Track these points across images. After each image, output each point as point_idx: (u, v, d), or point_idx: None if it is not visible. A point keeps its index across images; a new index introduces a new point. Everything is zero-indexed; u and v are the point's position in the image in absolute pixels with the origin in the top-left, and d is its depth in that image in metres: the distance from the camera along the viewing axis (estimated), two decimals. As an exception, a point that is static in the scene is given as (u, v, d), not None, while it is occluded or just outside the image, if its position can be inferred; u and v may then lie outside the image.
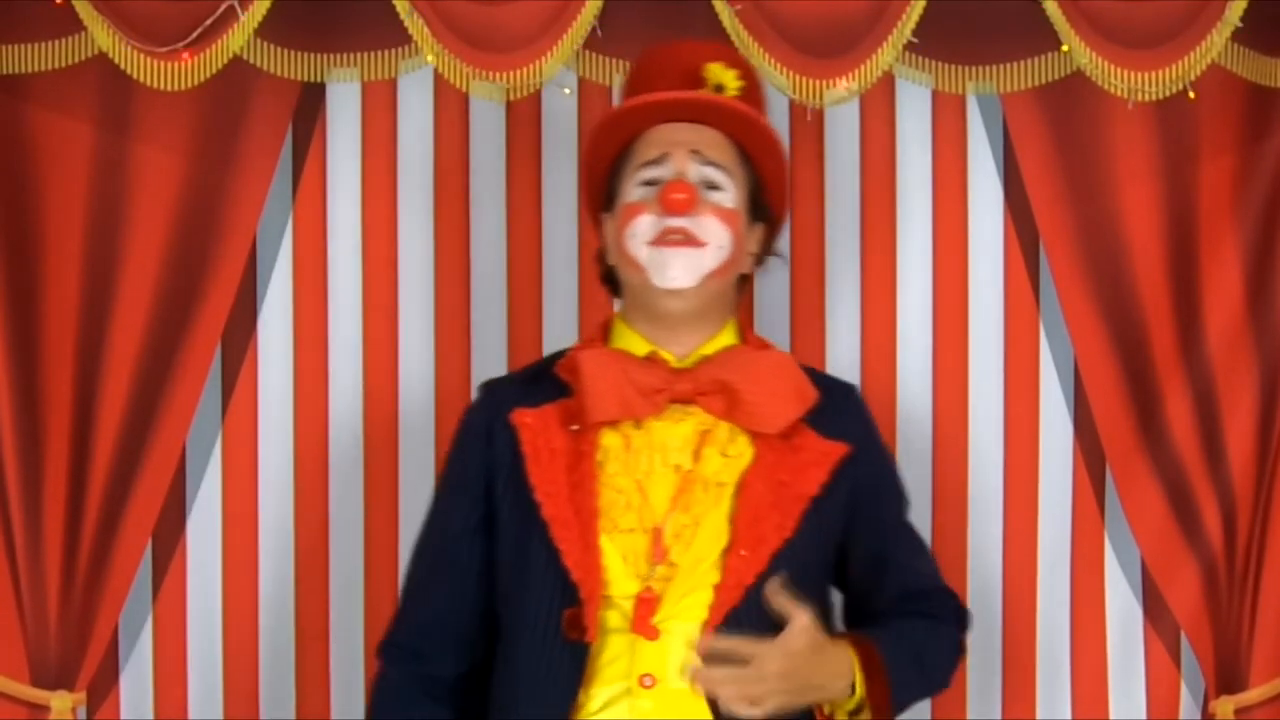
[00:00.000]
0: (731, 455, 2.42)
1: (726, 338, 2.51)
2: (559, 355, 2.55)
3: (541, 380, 2.51)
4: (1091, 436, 2.93)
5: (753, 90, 2.55)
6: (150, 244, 2.87)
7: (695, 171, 2.45)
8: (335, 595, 2.97)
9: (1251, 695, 2.87)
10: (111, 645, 2.92)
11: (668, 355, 2.47)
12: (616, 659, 2.35)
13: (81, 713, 2.91)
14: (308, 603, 2.96)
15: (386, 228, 2.96)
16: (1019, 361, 2.95)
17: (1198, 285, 2.88)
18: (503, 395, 2.52)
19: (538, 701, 2.36)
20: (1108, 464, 2.92)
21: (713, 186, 2.45)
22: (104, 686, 2.94)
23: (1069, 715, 2.95)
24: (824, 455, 2.44)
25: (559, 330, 2.92)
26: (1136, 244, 2.88)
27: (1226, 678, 2.88)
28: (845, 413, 2.53)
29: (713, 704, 2.32)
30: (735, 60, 2.57)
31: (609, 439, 2.43)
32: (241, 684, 2.95)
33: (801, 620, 2.32)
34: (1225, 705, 2.88)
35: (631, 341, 2.49)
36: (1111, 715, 2.95)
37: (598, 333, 2.55)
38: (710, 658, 2.29)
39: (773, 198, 2.55)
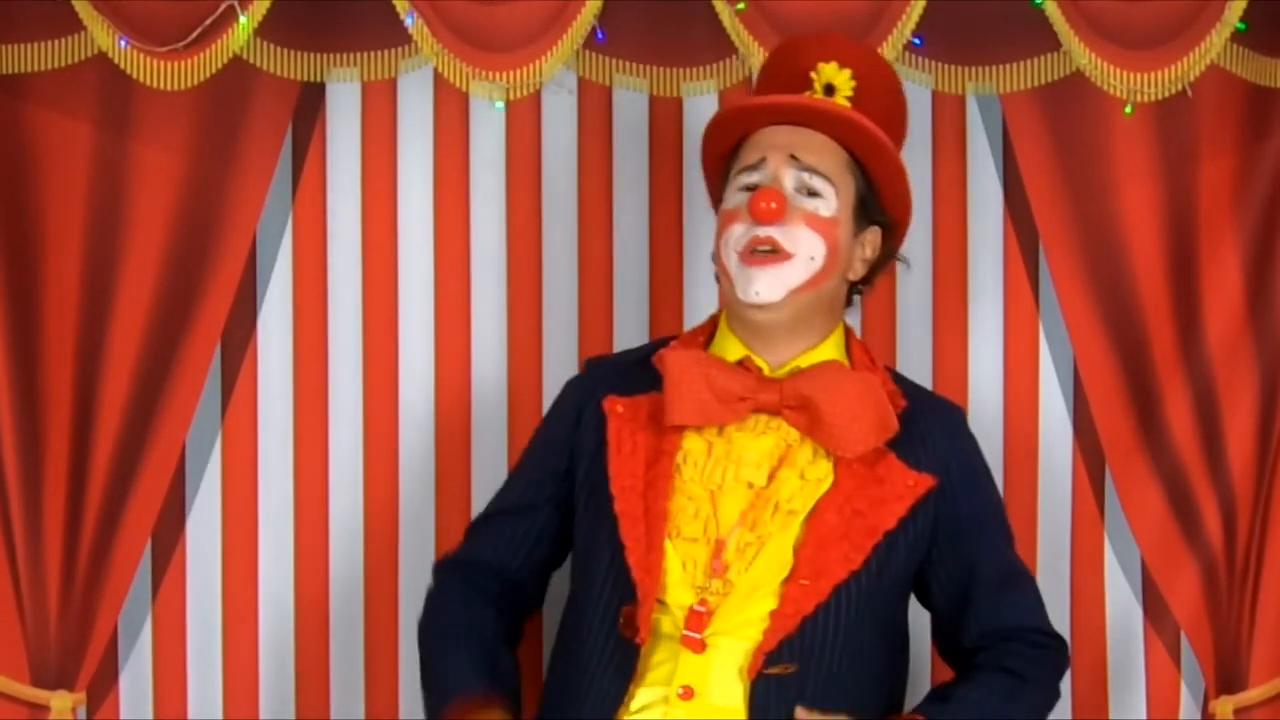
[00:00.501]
0: (810, 479, 2.38)
1: (828, 350, 2.47)
2: (662, 343, 2.54)
3: (642, 368, 2.49)
4: (1091, 437, 2.92)
5: (872, 90, 2.49)
6: (150, 244, 2.87)
7: (792, 177, 2.41)
8: (335, 594, 2.96)
9: (1251, 695, 2.87)
10: (111, 645, 2.92)
11: (762, 362, 2.44)
12: (662, 664, 2.35)
13: (81, 713, 2.90)
14: (308, 602, 2.95)
15: (386, 227, 2.96)
16: (1019, 362, 2.95)
17: (1198, 285, 2.88)
18: (602, 377, 2.51)
19: (592, 690, 2.36)
20: (1108, 464, 2.92)
21: (811, 193, 2.41)
22: (104, 686, 2.93)
23: (1069, 715, 2.95)
24: (907, 489, 2.40)
25: (560, 329, 2.92)
26: (1136, 244, 2.88)
27: (1226, 678, 2.88)
28: (942, 439, 2.47)
29: None
30: (854, 57, 2.50)
31: (692, 442, 2.41)
32: (241, 684, 2.95)
33: None
34: (1225, 705, 2.88)
35: (729, 345, 2.48)
36: (1111, 715, 2.94)
37: (707, 326, 2.53)
38: None
39: (887, 201, 2.49)
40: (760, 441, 2.40)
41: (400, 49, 2.85)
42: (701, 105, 2.88)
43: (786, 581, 2.34)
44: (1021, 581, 2.54)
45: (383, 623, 2.95)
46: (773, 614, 2.33)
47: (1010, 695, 2.42)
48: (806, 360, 2.45)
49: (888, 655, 2.46)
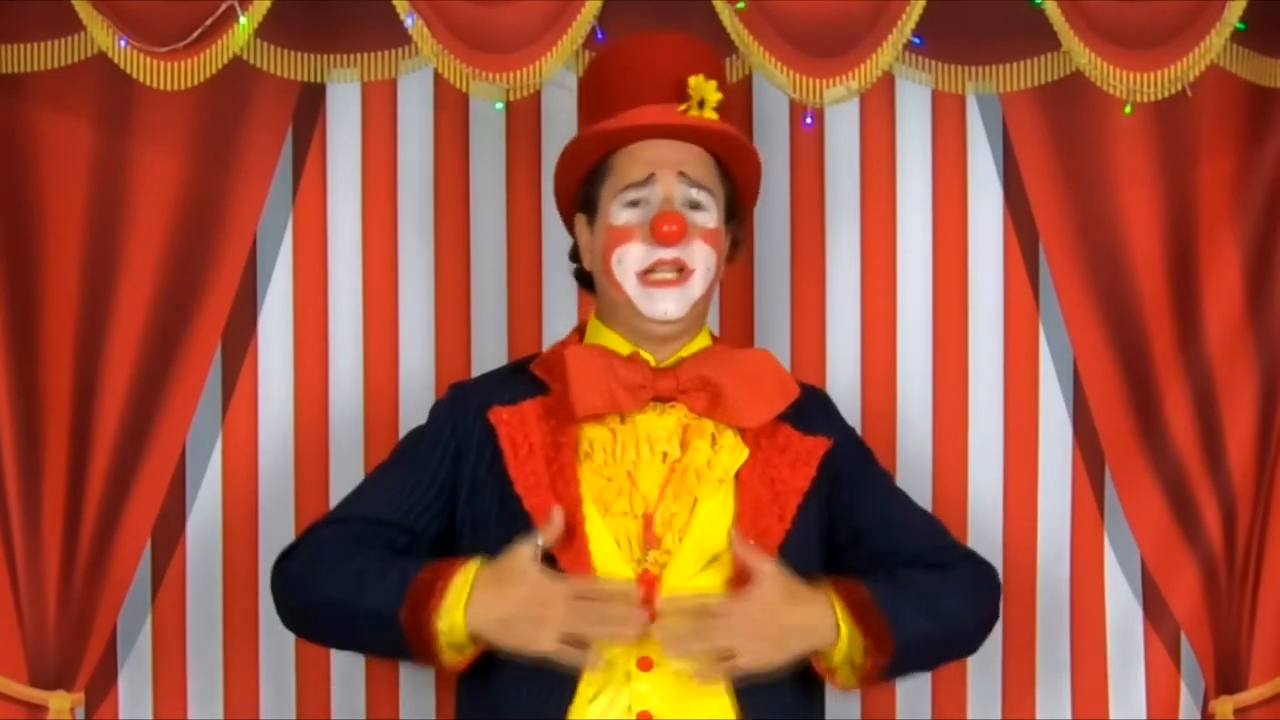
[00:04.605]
0: (722, 444, 2.45)
1: (703, 340, 2.56)
2: (533, 358, 2.59)
3: (517, 378, 2.54)
4: (1091, 436, 2.93)
5: (726, 93, 2.54)
6: (150, 244, 2.87)
7: (680, 193, 2.47)
8: (335, 595, 2.96)
9: (1251, 695, 2.87)
10: (110, 645, 2.92)
11: (648, 357, 2.51)
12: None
13: (80, 713, 2.90)
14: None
15: (386, 228, 2.96)
16: (1019, 361, 2.95)
17: (1197, 285, 2.88)
18: (476, 395, 2.53)
19: (538, 691, 2.36)
20: (1107, 464, 2.92)
21: (696, 206, 2.48)
22: (102, 686, 2.93)
23: (1069, 715, 2.95)
24: (809, 452, 2.49)
25: (559, 330, 2.91)
26: (1136, 244, 2.88)
27: (1226, 677, 2.88)
28: (820, 412, 2.57)
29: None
30: (708, 61, 2.56)
31: (595, 431, 2.46)
32: (241, 684, 2.95)
33: (767, 568, 2.34)
34: (1225, 705, 2.88)
35: (612, 342, 2.52)
36: (1111, 715, 2.95)
37: (574, 337, 2.57)
38: (675, 615, 2.31)
39: (745, 200, 2.59)
40: (664, 420, 2.47)
41: (400, 50, 2.85)
42: (702, 105, 2.90)
43: (733, 548, 2.38)
44: (921, 513, 2.62)
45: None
46: (729, 583, 2.38)
47: (940, 576, 2.46)
48: (687, 351, 2.53)
49: None
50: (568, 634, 2.29)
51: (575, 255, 2.60)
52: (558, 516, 2.34)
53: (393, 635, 2.35)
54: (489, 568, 2.35)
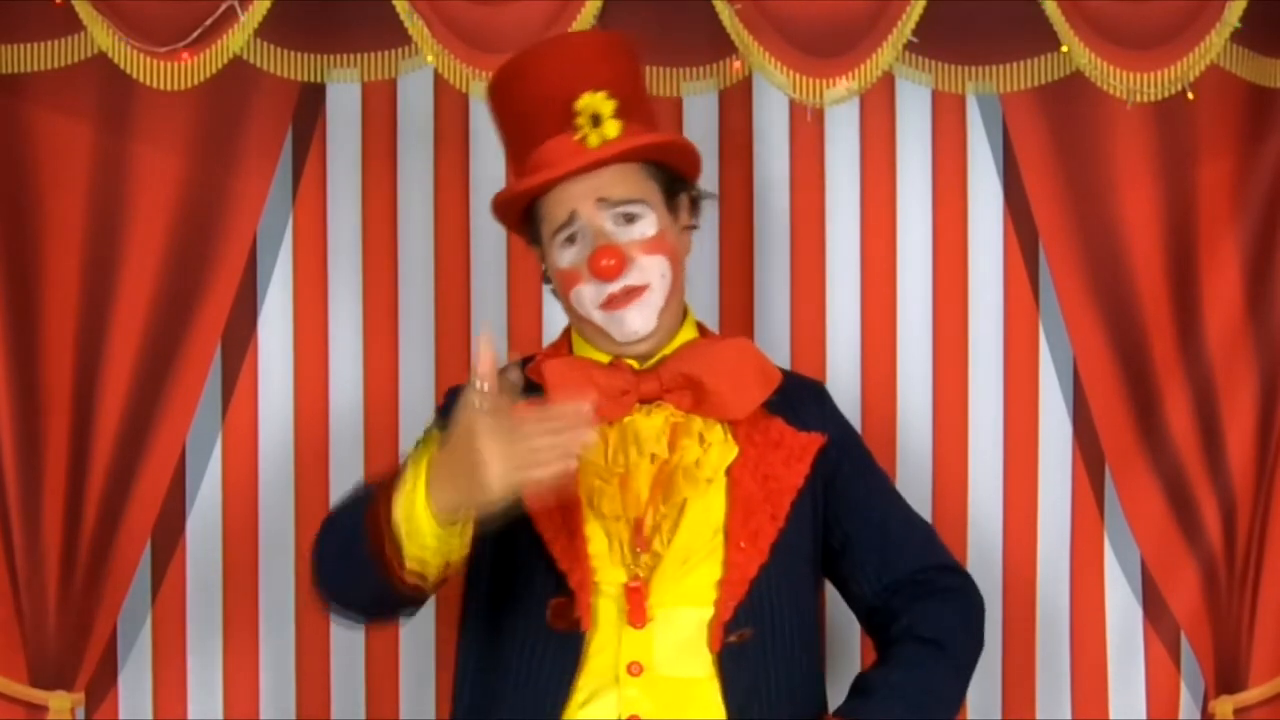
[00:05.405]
0: (710, 441, 2.43)
1: (686, 333, 2.52)
2: (528, 360, 2.57)
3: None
4: (1091, 437, 2.93)
5: (623, 88, 2.43)
6: (150, 244, 2.87)
7: (608, 216, 2.40)
8: (335, 595, 2.96)
9: (1251, 695, 2.87)
10: (110, 645, 2.93)
11: (631, 361, 2.49)
12: (604, 648, 2.35)
13: (80, 713, 2.91)
14: (308, 602, 2.94)
15: (386, 228, 2.97)
16: (1018, 362, 2.95)
17: (1197, 285, 2.88)
18: None
19: (529, 694, 2.35)
20: (1107, 464, 2.92)
21: (630, 219, 2.42)
22: (102, 687, 2.94)
23: (1069, 715, 2.95)
24: (802, 448, 2.46)
25: (559, 330, 2.91)
26: (1136, 244, 2.88)
27: (1226, 677, 2.89)
28: (815, 405, 2.54)
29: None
30: (597, 61, 2.43)
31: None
32: (241, 684, 2.96)
33: None
34: (1225, 705, 2.88)
35: (594, 352, 2.50)
36: (1111, 715, 2.95)
37: (562, 341, 2.56)
38: None
39: (685, 168, 2.50)
40: (652, 420, 2.45)
41: (400, 49, 2.85)
42: (701, 105, 2.89)
43: (725, 548, 2.38)
44: (916, 522, 2.58)
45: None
46: (720, 583, 2.37)
47: (932, 666, 2.44)
48: (670, 348, 2.50)
49: (817, 612, 2.53)
50: (510, 475, 2.13)
51: (547, 277, 2.56)
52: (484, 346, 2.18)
53: (370, 530, 2.22)
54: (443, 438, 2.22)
